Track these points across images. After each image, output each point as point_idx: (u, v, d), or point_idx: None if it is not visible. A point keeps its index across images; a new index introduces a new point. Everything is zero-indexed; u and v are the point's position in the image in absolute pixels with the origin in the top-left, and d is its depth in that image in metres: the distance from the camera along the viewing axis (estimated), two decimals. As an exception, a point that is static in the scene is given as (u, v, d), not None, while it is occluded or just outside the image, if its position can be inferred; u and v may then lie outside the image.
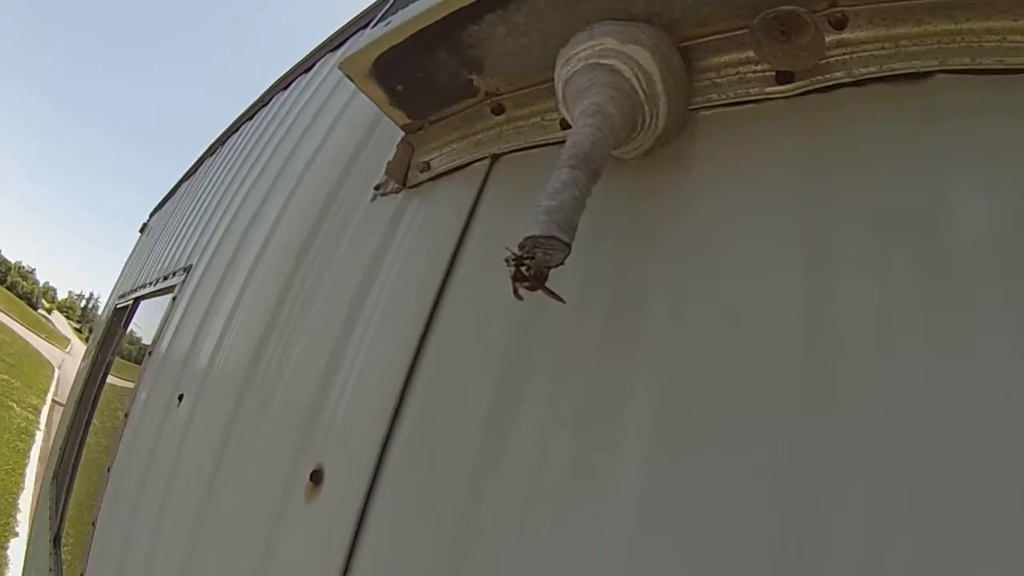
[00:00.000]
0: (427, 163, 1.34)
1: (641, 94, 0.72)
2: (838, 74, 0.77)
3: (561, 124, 1.02)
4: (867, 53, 0.76)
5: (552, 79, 0.99)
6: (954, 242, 0.61)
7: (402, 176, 1.39)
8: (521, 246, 0.58)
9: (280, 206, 1.89)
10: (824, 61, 0.77)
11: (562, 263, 0.57)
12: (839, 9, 0.75)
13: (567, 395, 0.73)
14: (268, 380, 1.33)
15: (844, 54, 0.77)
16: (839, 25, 0.76)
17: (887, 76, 0.75)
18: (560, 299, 0.60)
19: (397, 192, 1.40)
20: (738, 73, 0.83)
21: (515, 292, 0.58)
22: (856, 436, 0.55)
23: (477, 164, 1.16)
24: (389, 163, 1.42)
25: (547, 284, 0.58)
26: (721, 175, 0.77)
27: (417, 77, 1.13)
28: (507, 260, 0.58)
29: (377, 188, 1.49)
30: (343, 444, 0.99)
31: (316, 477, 0.96)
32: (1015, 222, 0.61)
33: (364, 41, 1.12)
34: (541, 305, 0.73)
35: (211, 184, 3.60)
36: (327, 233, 1.51)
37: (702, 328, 0.67)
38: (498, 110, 1.13)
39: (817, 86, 0.78)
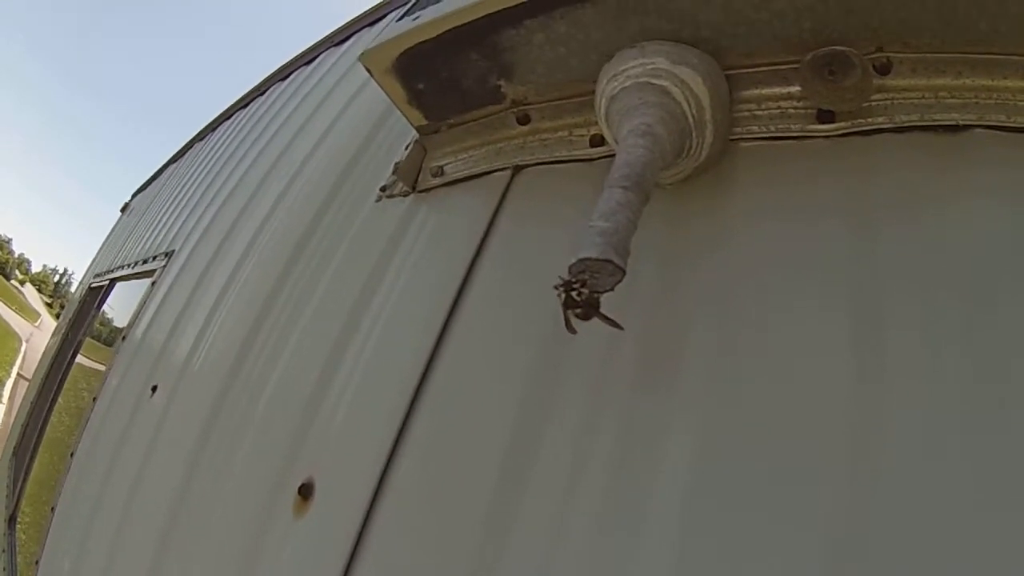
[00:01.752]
0: (440, 168, 1.30)
1: (691, 119, 0.70)
2: (880, 119, 0.77)
3: (591, 141, 1.00)
4: (908, 101, 0.76)
5: (583, 94, 0.98)
6: (996, 309, 0.60)
7: (412, 179, 1.34)
8: (571, 271, 0.55)
9: (274, 200, 1.82)
10: (866, 105, 0.77)
11: (611, 289, 0.54)
12: (885, 55, 0.75)
13: (597, 430, 0.69)
14: (254, 381, 1.26)
15: (886, 99, 0.77)
16: (883, 71, 0.76)
17: (927, 126, 0.74)
18: (618, 325, 0.57)
19: (405, 195, 1.36)
20: (779, 108, 0.82)
21: (567, 323, 0.55)
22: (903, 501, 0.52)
23: (498, 174, 1.12)
24: (399, 164, 1.37)
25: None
26: (764, 212, 0.75)
27: (441, 77, 1.10)
28: (556, 287, 0.55)
29: (383, 189, 1.45)
30: (338, 458, 0.93)
31: (305, 491, 0.90)
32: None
33: (390, 34, 1.09)
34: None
35: (199, 169, 3.48)
36: (326, 231, 1.45)
37: (746, 374, 0.64)
38: (523, 120, 1.10)
39: (858, 128, 0.77)
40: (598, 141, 0.99)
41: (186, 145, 4.84)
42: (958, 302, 0.60)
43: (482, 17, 0.92)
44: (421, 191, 1.32)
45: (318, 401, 1.03)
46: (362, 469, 0.86)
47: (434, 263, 1.07)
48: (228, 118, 3.92)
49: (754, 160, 0.81)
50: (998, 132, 0.70)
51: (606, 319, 0.56)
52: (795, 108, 0.82)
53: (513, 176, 1.10)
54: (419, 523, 0.78)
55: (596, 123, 0.98)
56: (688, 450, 0.62)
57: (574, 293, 0.55)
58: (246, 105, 3.69)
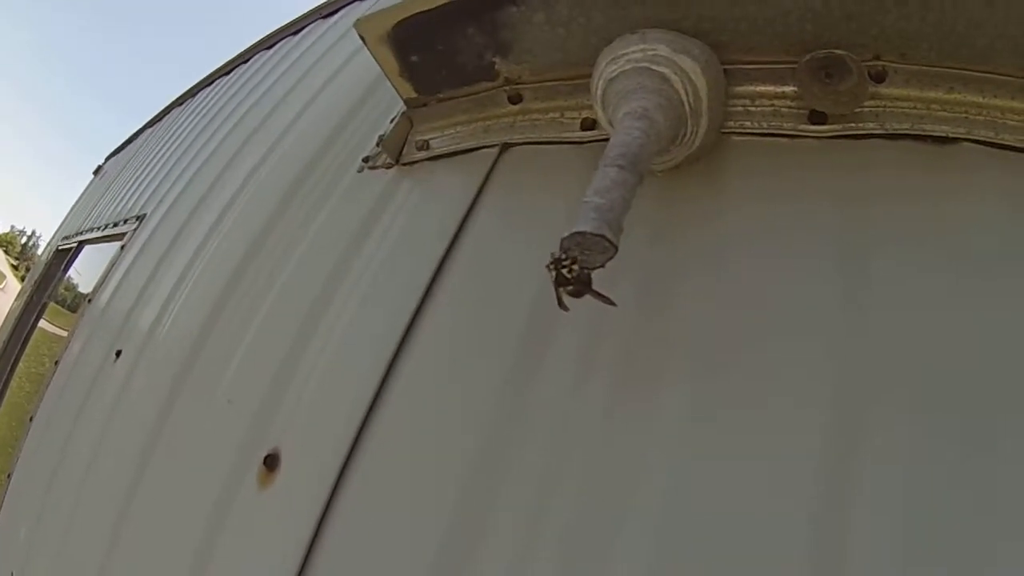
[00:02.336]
0: (426, 142, 1.27)
1: (687, 107, 0.70)
2: (871, 124, 0.77)
3: (582, 124, 0.98)
4: (900, 110, 0.77)
5: (578, 77, 0.96)
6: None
7: (397, 152, 1.31)
8: (562, 246, 0.54)
9: (251, 167, 1.76)
10: (858, 110, 0.77)
11: (602, 265, 0.52)
12: (881, 63, 0.75)
13: (583, 401, 0.68)
14: (222, 349, 1.21)
15: (878, 107, 0.77)
16: (878, 78, 0.76)
17: (917, 135, 0.75)
18: (610, 302, 0.56)
19: (389, 167, 1.33)
20: (772, 105, 0.82)
21: (559, 301, 0.54)
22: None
23: (485, 151, 1.10)
24: (384, 136, 1.34)
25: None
26: (756, 196, 0.76)
27: (436, 50, 1.07)
28: (547, 265, 0.54)
29: (366, 160, 1.41)
30: (306, 430, 0.91)
31: (271, 462, 0.87)
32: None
33: (388, 1, 1.05)
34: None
35: (176, 135, 3.36)
36: (304, 200, 1.41)
37: (734, 340, 0.64)
38: (515, 99, 1.08)
39: (849, 132, 0.78)
40: (589, 125, 0.97)
41: (164, 110, 4.67)
42: (943, 278, 0.63)
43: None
44: (405, 164, 1.29)
45: (288, 372, 1.00)
46: (331, 440, 0.84)
47: (416, 237, 1.05)
48: (209, 84, 3.79)
49: (745, 153, 0.81)
50: (986, 147, 0.71)
51: (599, 295, 0.56)
52: (788, 107, 0.82)
53: (500, 153, 1.08)
54: (390, 495, 0.76)
55: (588, 107, 0.97)
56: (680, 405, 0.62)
57: (565, 270, 0.54)
58: (228, 72, 3.57)
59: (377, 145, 1.40)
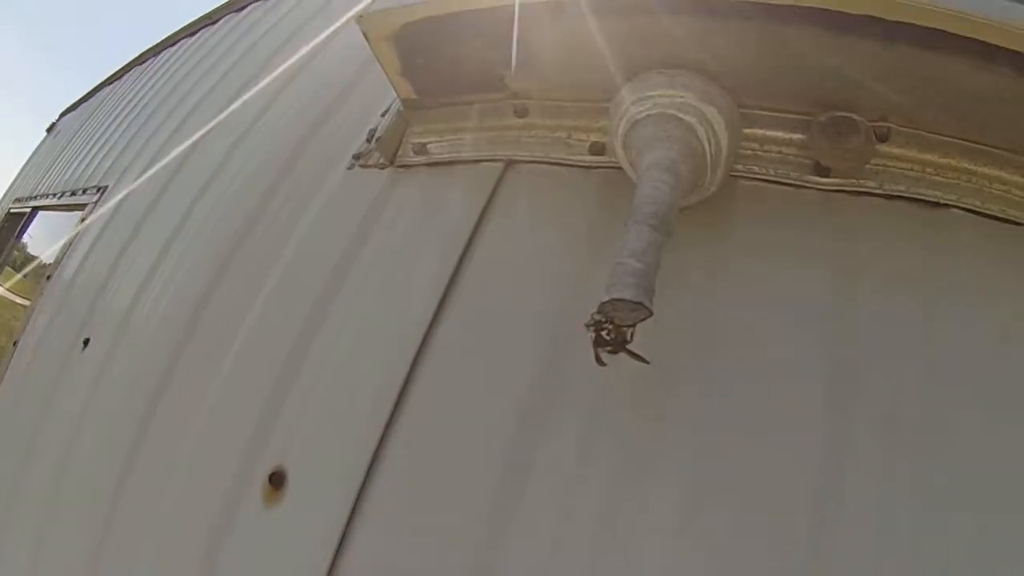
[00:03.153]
0: (423, 145, 1.24)
1: (709, 158, 0.71)
2: (870, 183, 0.81)
3: (591, 149, 0.98)
4: (899, 171, 0.81)
5: (589, 100, 0.96)
6: (943, 376, 0.68)
7: (392, 153, 1.27)
8: (601, 311, 0.56)
9: (229, 145, 1.66)
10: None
11: (634, 325, 0.54)
12: (887, 124, 0.78)
13: (594, 444, 0.70)
14: (209, 352, 1.15)
15: (878, 165, 0.81)
16: (882, 138, 0.79)
17: (912, 198, 0.79)
18: (644, 360, 0.58)
19: (382, 168, 1.29)
20: (780, 152, 0.85)
21: (597, 358, 0.57)
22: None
23: (488, 164, 1.08)
24: (377, 134, 1.30)
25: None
26: (758, 250, 0.79)
27: (444, 55, 1.04)
28: (587, 325, 0.57)
29: (357, 157, 1.37)
30: (315, 445, 0.88)
31: (277, 480, 0.84)
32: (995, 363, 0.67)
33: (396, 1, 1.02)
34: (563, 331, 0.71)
35: (138, 99, 3.15)
36: (292, 190, 1.35)
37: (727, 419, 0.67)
38: (521, 112, 1.07)
39: (850, 188, 0.81)
40: (598, 150, 0.98)
41: (124, 67, 4.36)
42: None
43: (501, 6, 0.87)
44: (400, 166, 1.26)
45: (288, 381, 0.97)
46: (346, 457, 0.83)
47: (420, 252, 1.02)
48: (172, 45, 3.56)
49: (752, 199, 0.83)
50: (972, 215, 0.76)
51: (634, 355, 0.58)
52: (795, 156, 0.85)
53: (505, 170, 1.07)
54: (414, 514, 0.77)
55: (596, 129, 0.98)
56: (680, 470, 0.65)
57: (604, 332, 0.56)
58: (193, 34, 3.36)
59: (368, 141, 1.36)
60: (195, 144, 1.85)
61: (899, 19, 0.62)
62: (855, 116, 0.73)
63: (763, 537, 0.60)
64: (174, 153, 1.96)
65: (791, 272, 0.77)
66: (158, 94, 2.76)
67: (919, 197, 0.79)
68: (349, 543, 0.77)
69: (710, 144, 0.70)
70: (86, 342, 1.50)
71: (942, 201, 0.78)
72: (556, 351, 0.78)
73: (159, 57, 3.64)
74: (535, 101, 1.05)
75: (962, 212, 0.78)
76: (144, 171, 2.04)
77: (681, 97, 0.69)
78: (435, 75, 1.10)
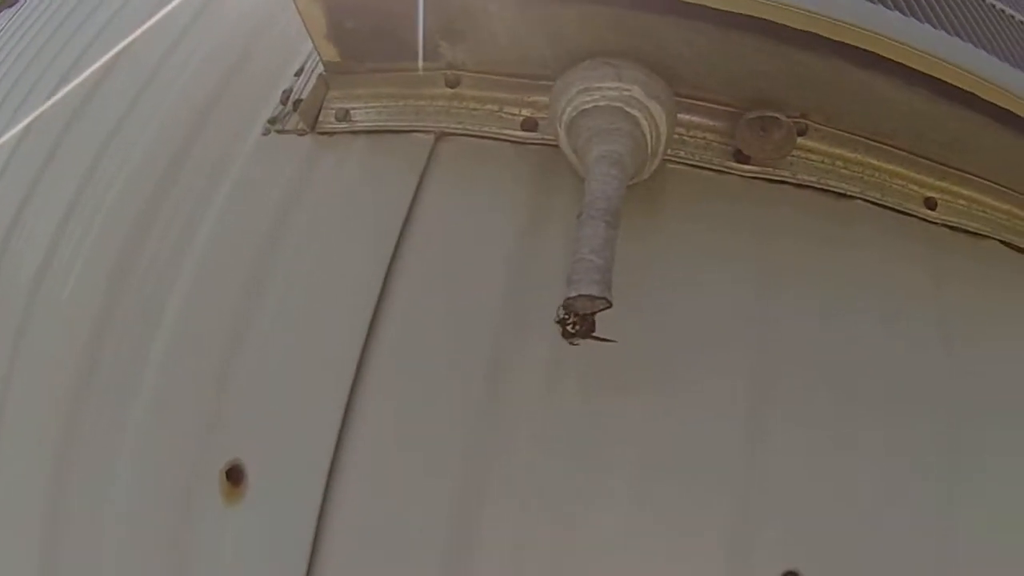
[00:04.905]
0: (346, 111, 1.17)
1: (649, 150, 0.74)
2: (785, 173, 0.89)
3: (523, 124, 0.98)
4: (811, 163, 0.89)
5: (525, 76, 0.95)
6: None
7: (313, 118, 1.19)
8: (566, 307, 0.62)
9: (123, 109, 1.44)
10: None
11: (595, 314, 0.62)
12: (806, 121, 0.85)
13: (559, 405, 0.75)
14: (131, 342, 1.03)
15: (794, 157, 0.88)
16: (800, 132, 0.86)
17: (821, 188, 0.87)
18: (612, 340, 0.64)
19: (302, 134, 1.21)
20: (704, 139, 0.91)
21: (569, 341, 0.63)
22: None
23: (419, 136, 1.05)
24: (294, 97, 1.21)
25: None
26: (687, 219, 0.86)
27: (378, 21, 0.99)
28: (556, 321, 0.63)
29: (272, 122, 1.27)
30: (270, 435, 0.85)
31: (235, 476, 0.81)
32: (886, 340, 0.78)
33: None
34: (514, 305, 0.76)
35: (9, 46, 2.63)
36: (200, 159, 1.23)
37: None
38: (452, 83, 1.04)
39: (767, 176, 0.89)
40: (531, 126, 0.98)
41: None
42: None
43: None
44: (322, 133, 1.19)
45: (227, 369, 0.91)
46: (307, 444, 0.81)
47: (356, 229, 0.98)
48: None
49: (678, 181, 0.89)
50: (874, 207, 0.85)
51: (601, 339, 0.64)
52: (718, 142, 0.90)
53: (437, 142, 1.04)
54: (390, 493, 0.79)
55: (528, 104, 0.98)
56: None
57: (569, 326, 0.62)
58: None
59: (283, 104, 1.26)
60: (79, 106, 1.59)
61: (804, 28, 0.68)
62: (781, 116, 0.79)
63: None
64: (41, 107, 1.68)
65: (713, 258, 0.84)
66: (33, 42, 2.32)
67: (828, 188, 0.87)
68: (324, 532, 0.77)
69: (651, 137, 0.73)
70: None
71: (848, 193, 0.87)
72: (507, 323, 0.81)
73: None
74: (468, 73, 1.02)
75: (866, 204, 0.87)
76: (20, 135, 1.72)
77: (628, 91, 0.71)
78: (364, 40, 1.04)
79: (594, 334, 0.63)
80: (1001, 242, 0.95)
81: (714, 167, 0.90)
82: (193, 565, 0.85)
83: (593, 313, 0.62)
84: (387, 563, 0.78)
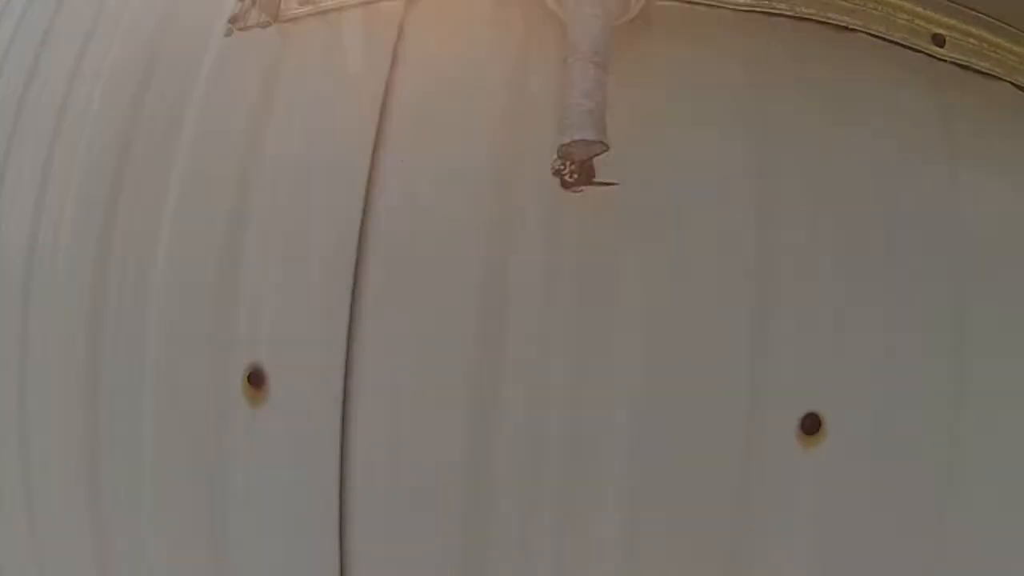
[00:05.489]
0: (309, -7, 1.10)
1: (632, -13, 0.69)
2: (782, 5, 0.83)
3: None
4: (809, -7, 0.82)
5: None
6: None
7: (275, 7, 1.12)
8: (561, 155, 0.61)
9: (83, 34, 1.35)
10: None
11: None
12: (803, -51, 0.79)
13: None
14: (131, 266, 1.03)
15: (789, -11, 0.82)
16: (797, -42, 0.79)
17: (821, 21, 0.83)
18: (613, 183, 0.64)
19: (265, 27, 1.13)
20: None
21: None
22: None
23: (388, 4, 0.98)
24: (251, -11, 1.13)
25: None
26: (680, 55, 0.83)
27: None
28: (554, 173, 0.63)
29: (233, 21, 1.19)
30: (285, 333, 0.87)
31: (256, 379, 0.83)
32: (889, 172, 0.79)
33: None
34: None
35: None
36: (168, 74, 1.16)
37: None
38: (412, -57, 0.96)
39: (763, 8, 0.83)
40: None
41: None
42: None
43: None
44: (286, 21, 1.12)
45: (231, 275, 0.91)
46: (319, 336, 0.83)
47: (337, 114, 0.95)
48: None
49: (669, 15, 0.83)
50: (878, 40, 0.82)
51: (602, 183, 0.63)
52: None
53: (407, 8, 0.98)
54: (408, 371, 0.82)
55: None
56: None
57: (567, 175, 0.62)
58: None
59: (239, 1, 1.18)
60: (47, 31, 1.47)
61: None
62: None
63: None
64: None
65: (708, 99, 0.82)
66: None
67: (828, 21, 0.82)
68: (350, 422, 0.80)
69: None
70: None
71: (850, 26, 0.82)
72: (502, 181, 0.81)
73: None
74: (428, -71, 0.94)
75: (869, 37, 0.83)
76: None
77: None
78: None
79: (594, 180, 0.62)
80: (1014, 85, 0.90)
81: (705, 1, 0.83)
82: (228, 469, 0.90)
83: (591, 158, 0.61)
84: (415, 444, 0.82)
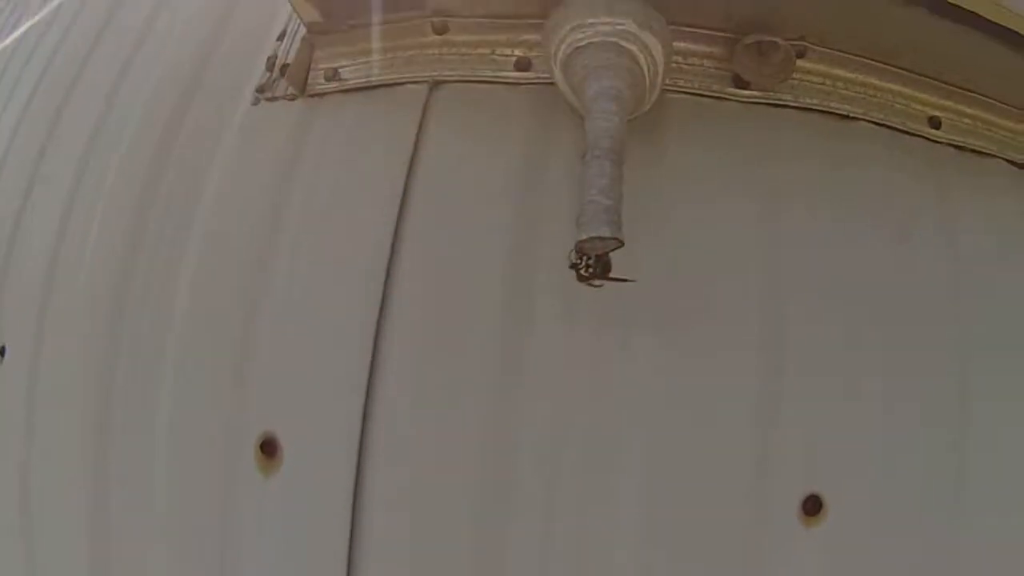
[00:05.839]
0: (335, 71, 1.15)
1: (647, 82, 0.73)
2: (787, 96, 0.88)
3: (516, 64, 0.96)
4: (812, 85, 0.87)
5: (514, 16, 0.94)
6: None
7: (302, 82, 1.17)
8: (578, 251, 0.63)
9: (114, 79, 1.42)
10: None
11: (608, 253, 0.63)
12: (804, 43, 0.84)
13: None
14: (146, 330, 1.05)
15: (794, 80, 0.87)
16: (800, 54, 0.85)
17: (824, 111, 0.87)
18: (629, 280, 0.66)
19: (292, 99, 1.19)
20: (702, 66, 0.89)
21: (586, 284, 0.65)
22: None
23: (412, 87, 1.03)
24: (279, 62, 1.19)
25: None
26: (691, 146, 0.87)
27: (356, -25, 0.96)
28: (570, 267, 0.65)
29: (260, 91, 1.25)
30: (301, 403, 0.87)
31: (269, 448, 0.83)
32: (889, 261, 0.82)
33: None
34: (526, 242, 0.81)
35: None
36: (189, 139, 1.22)
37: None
38: (440, 29, 1.01)
39: (768, 100, 0.88)
40: (524, 65, 0.96)
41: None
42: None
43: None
44: (312, 95, 1.17)
45: (244, 348, 0.92)
46: (335, 411, 0.84)
47: (360, 187, 0.98)
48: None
49: (680, 112, 0.88)
50: (878, 127, 0.86)
51: (618, 279, 0.66)
52: (716, 69, 0.89)
53: (431, 91, 1.03)
54: (419, 446, 0.82)
55: (520, 44, 0.96)
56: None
57: (583, 270, 0.63)
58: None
59: (268, 71, 1.24)
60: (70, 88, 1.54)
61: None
62: (778, 40, 0.78)
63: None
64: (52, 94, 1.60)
65: (718, 186, 0.85)
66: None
67: (831, 110, 0.86)
68: (362, 494, 0.81)
69: (648, 69, 0.72)
70: (2, 351, 1.28)
71: (851, 114, 0.86)
72: (520, 264, 0.84)
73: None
74: (455, 18, 1.00)
75: (870, 125, 0.87)
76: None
77: (621, 24, 0.70)
78: (347, -3, 1.01)
79: (610, 275, 0.65)
80: (1006, 160, 0.94)
81: (713, 94, 0.88)
82: (238, 537, 0.89)
83: (606, 253, 0.63)
84: (426, 519, 0.83)
